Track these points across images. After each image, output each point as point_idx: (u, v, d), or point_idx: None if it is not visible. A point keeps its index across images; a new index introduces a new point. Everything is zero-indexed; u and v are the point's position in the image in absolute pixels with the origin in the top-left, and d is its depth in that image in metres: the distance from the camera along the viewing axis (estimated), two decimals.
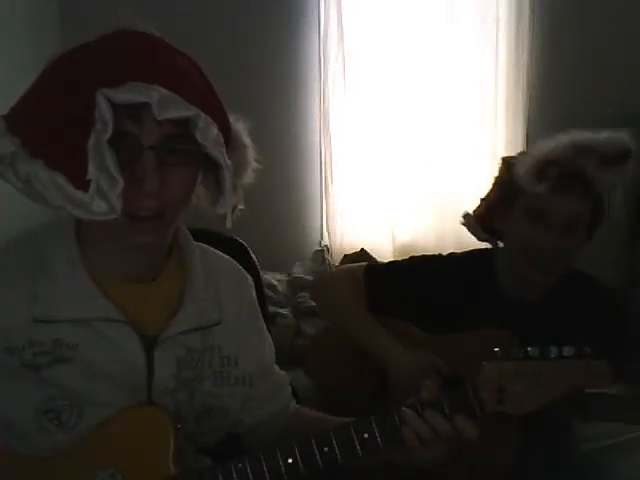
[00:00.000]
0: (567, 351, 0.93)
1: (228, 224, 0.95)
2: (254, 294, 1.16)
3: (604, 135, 1.40)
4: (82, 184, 0.82)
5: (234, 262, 1.15)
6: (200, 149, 0.88)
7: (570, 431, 1.51)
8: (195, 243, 1.07)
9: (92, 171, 0.81)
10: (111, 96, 0.80)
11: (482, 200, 1.62)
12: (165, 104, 0.82)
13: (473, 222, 1.61)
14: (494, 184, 1.58)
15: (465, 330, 1.47)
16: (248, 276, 1.16)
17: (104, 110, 0.80)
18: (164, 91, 0.83)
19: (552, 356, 0.93)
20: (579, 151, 1.38)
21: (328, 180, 3.09)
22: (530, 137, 3.14)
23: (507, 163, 1.54)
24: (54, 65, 0.88)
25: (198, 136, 0.86)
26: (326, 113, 3.05)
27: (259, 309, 1.16)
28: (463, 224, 1.64)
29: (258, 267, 1.52)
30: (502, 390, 0.93)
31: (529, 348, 0.93)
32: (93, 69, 0.84)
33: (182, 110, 0.84)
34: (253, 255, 1.53)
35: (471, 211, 1.63)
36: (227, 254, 1.15)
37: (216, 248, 1.14)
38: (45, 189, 0.82)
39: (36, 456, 0.91)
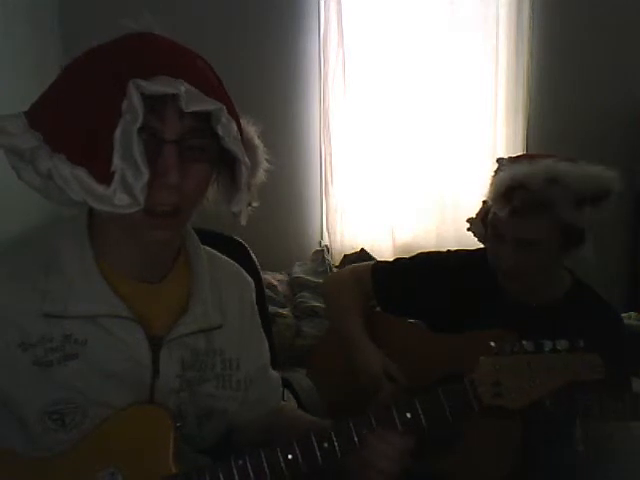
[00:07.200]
0: (561, 345, 0.94)
1: (243, 221, 0.95)
2: (254, 298, 1.17)
3: (583, 170, 1.35)
4: (104, 178, 0.81)
5: (237, 265, 1.16)
6: (217, 145, 0.89)
7: (571, 431, 1.51)
8: (202, 246, 1.08)
9: (117, 162, 0.80)
10: (142, 87, 0.81)
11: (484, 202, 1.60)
12: (192, 97, 0.83)
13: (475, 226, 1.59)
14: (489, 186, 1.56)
15: (469, 329, 1.47)
16: (250, 280, 1.17)
17: (135, 100, 0.80)
18: (189, 85, 0.84)
19: (546, 350, 0.94)
20: (550, 181, 1.34)
21: (328, 180, 3.09)
22: (530, 137, 3.14)
23: (501, 164, 1.53)
24: (77, 62, 0.88)
25: (220, 130, 0.86)
26: (326, 113, 3.05)
27: (257, 313, 1.17)
28: (468, 229, 1.62)
29: (258, 267, 1.53)
30: (499, 384, 0.94)
31: (524, 342, 0.94)
32: (122, 61, 0.84)
33: (208, 103, 0.85)
34: (253, 255, 1.54)
35: (474, 215, 1.62)
36: (227, 254, 1.16)
37: (216, 248, 1.14)
38: (66, 184, 0.82)
39: (37, 455, 0.91)
